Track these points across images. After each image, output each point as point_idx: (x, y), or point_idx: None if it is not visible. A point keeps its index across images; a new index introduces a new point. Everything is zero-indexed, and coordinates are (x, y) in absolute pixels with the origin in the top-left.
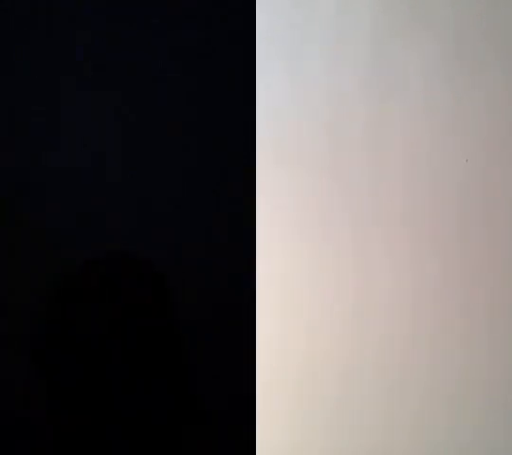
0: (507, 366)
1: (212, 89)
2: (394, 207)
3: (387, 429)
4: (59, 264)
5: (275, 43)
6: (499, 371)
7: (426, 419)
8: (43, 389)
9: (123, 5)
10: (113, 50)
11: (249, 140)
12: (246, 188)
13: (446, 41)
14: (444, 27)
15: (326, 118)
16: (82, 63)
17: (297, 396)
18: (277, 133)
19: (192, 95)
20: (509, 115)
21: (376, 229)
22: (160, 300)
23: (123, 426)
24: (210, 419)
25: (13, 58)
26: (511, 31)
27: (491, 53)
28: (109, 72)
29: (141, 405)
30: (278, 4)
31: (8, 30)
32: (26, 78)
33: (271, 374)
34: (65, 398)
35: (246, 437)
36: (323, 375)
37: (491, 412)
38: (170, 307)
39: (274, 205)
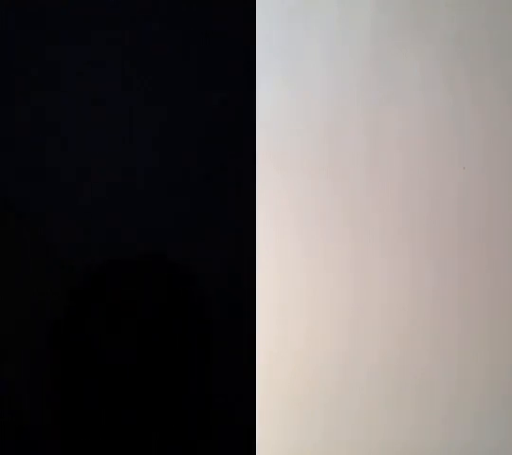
0: (507, 366)
1: (212, 90)
2: (392, 208)
3: (386, 429)
4: (74, 265)
5: (275, 43)
6: (499, 371)
7: (426, 419)
8: (47, 384)
9: (124, 5)
10: (112, 51)
11: (249, 141)
12: (246, 188)
13: (445, 41)
14: (444, 27)
15: (325, 118)
16: (82, 65)
17: (296, 396)
18: (277, 133)
19: (191, 95)
20: (507, 119)
21: (375, 230)
22: (161, 301)
23: (123, 425)
24: (211, 419)
25: (13, 57)
26: (511, 32)
27: (491, 53)
28: (109, 73)
29: (142, 405)
30: (278, 4)
31: (7, 30)
32: (26, 78)
33: (271, 374)
34: (66, 397)
35: (246, 437)
36: (323, 376)
37: (491, 412)
38: (170, 308)
39: (274, 205)
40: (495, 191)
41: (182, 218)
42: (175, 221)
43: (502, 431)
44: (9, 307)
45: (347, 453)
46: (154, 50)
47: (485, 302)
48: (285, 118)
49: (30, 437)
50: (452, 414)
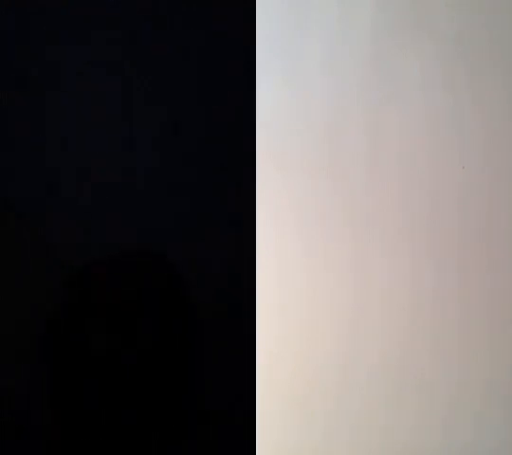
0: (507, 366)
1: (212, 89)
2: (392, 208)
3: (386, 429)
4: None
5: (275, 43)
6: (499, 371)
7: (426, 419)
8: (46, 384)
9: (124, 5)
10: (112, 51)
11: (249, 141)
12: (246, 188)
13: (445, 41)
14: (444, 27)
15: (325, 118)
16: (82, 65)
17: (296, 396)
18: (277, 133)
19: (191, 95)
20: (507, 118)
21: (374, 230)
22: (161, 301)
23: (124, 425)
24: (210, 419)
25: (13, 57)
26: (511, 32)
27: (491, 53)
28: (109, 73)
29: (142, 405)
30: (278, 4)
31: (7, 30)
32: (26, 78)
33: (271, 374)
34: (66, 395)
35: (247, 437)
36: (323, 376)
37: (491, 412)
38: (170, 308)
39: (274, 205)
40: (495, 191)
41: (182, 218)
42: (175, 221)
43: (502, 431)
44: (9, 307)
45: (347, 453)
46: (154, 50)
47: (485, 302)
48: (285, 118)
49: (30, 437)
50: (452, 414)
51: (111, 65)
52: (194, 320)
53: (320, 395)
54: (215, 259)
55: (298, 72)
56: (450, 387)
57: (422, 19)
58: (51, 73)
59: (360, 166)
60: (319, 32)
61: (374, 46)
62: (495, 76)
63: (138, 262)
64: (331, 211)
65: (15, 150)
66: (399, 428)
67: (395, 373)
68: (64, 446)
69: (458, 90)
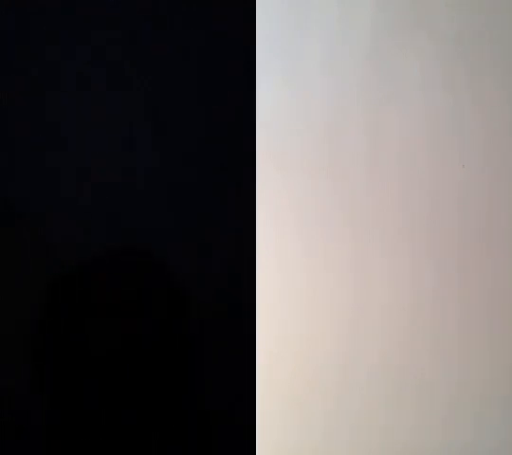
0: (507, 366)
1: (212, 89)
2: (392, 208)
3: (386, 429)
4: (59, 264)
5: (275, 43)
6: (499, 371)
7: (426, 419)
8: (44, 384)
9: (124, 5)
10: (112, 51)
11: (249, 141)
12: (246, 188)
13: (445, 41)
14: (444, 27)
15: (326, 118)
16: (82, 65)
17: (296, 396)
18: (277, 133)
19: (191, 95)
20: (507, 118)
21: (374, 230)
22: (161, 301)
23: (124, 425)
24: (211, 419)
25: (13, 57)
26: (511, 32)
27: (491, 53)
28: (109, 73)
29: (142, 405)
30: (278, 4)
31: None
32: (26, 78)
33: (271, 374)
34: (66, 395)
35: (247, 437)
36: (323, 376)
37: (491, 412)
38: (170, 308)
39: (274, 205)
40: (495, 191)
41: (182, 218)
42: (175, 221)
43: (502, 431)
44: (9, 307)
45: (347, 453)
46: (154, 50)
47: (485, 302)
48: (285, 118)
49: (30, 437)
50: (452, 414)
51: (111, 65)
52: (194, 320)
53: (320, 395)
54: (215, 259)
55: (298, 72)
56: (450, 387)
57: (422, 19)
58: (51, 73)
59: (360, 166)
60: (319, 32)
61: (374, 46)
62: (495, 76)
63: (138, 262)
64: (331, 211)
65: (15, 150)
66: (399, 428)
67: (395, 373)
68: (64, 446)
69: (458, 90)
